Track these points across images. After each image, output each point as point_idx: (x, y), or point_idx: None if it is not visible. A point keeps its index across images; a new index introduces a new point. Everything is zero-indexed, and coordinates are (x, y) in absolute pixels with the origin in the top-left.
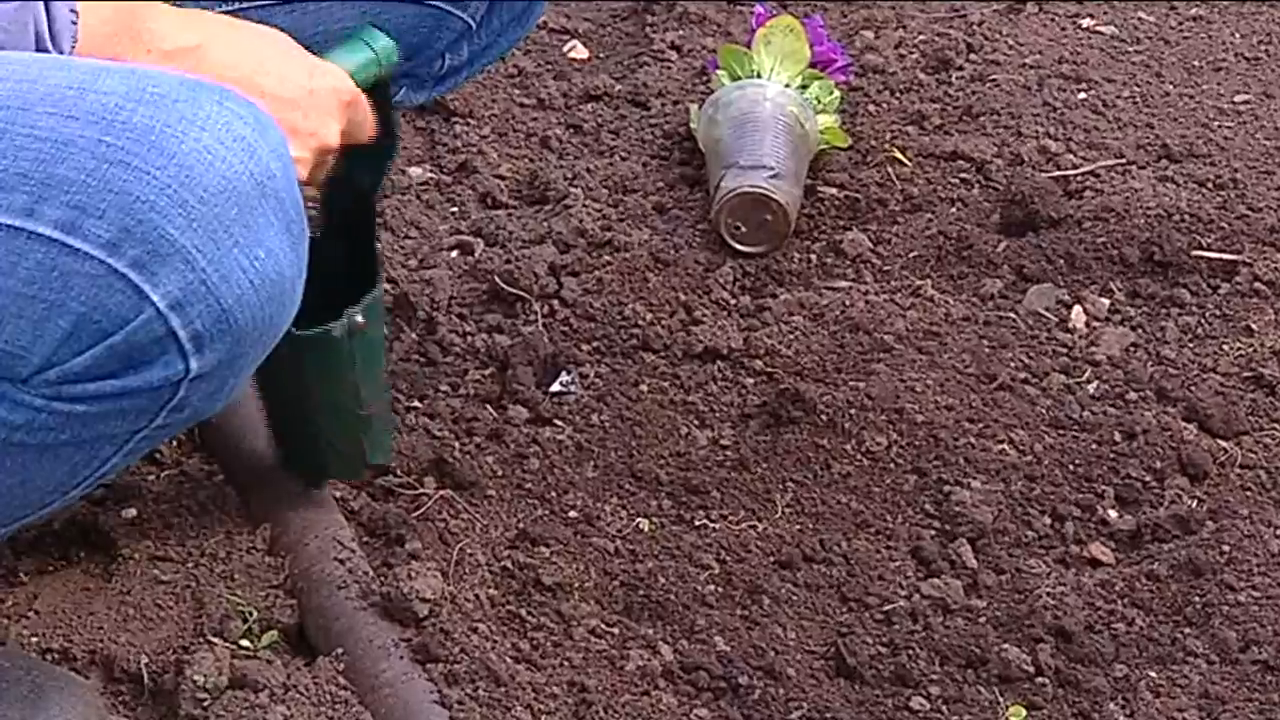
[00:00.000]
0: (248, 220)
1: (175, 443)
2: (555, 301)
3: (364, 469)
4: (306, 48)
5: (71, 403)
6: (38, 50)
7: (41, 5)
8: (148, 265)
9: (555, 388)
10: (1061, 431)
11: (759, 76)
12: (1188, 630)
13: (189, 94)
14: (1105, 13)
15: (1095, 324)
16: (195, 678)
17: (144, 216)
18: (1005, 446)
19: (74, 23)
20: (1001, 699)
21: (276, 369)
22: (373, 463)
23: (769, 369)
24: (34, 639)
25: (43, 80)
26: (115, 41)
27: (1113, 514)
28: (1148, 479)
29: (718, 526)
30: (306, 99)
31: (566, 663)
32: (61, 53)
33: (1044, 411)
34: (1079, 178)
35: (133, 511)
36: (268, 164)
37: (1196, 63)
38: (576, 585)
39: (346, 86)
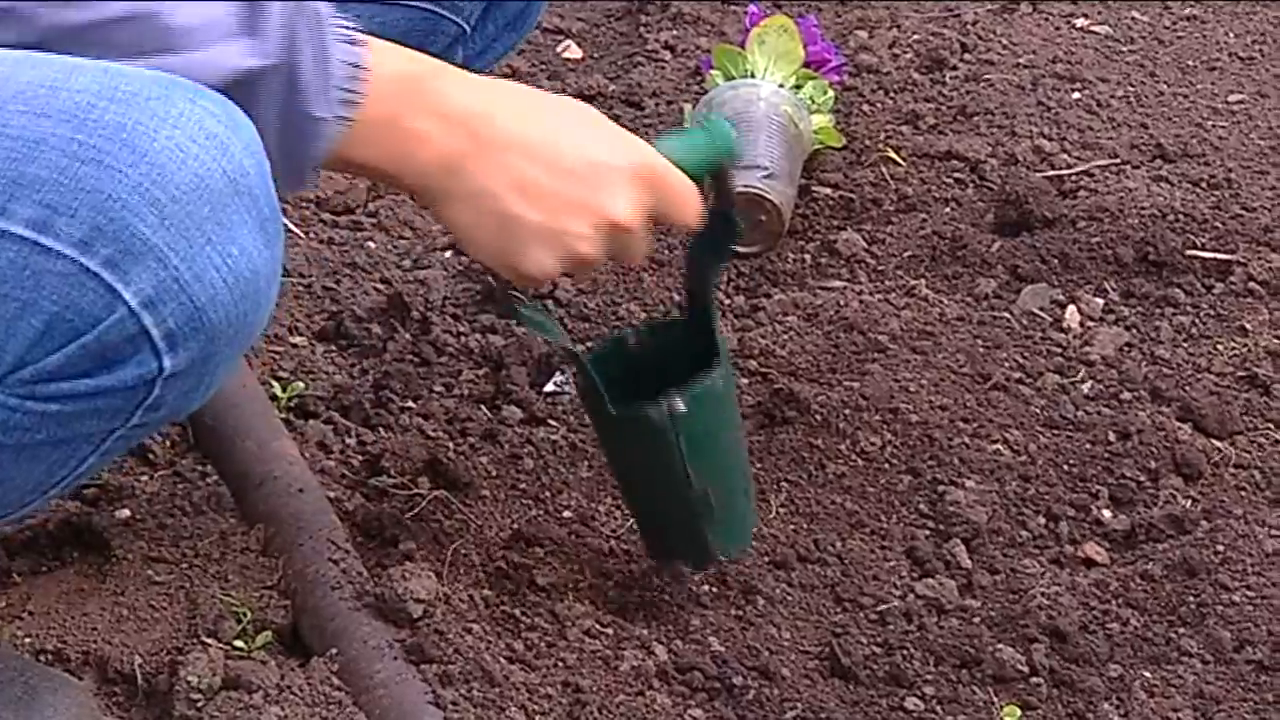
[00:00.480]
0: (220, 218)
1: (169, 443)
2: (549, 301)
3: (708, 558)
4: None
5: (46, 402)
6: (284, 99)
7: (310, 55)
8: (120, 264)
9: (549, 388)
10: (1056, 431)
11: (753, 76)
12: (1182, 630)
13: (162, 91)
14: (1099, 12)
15: (1090, 324)
16: (189, 678)
17: (116, 215)
18: (1000, 446)
19: (357, 78)
20: (996, 699)
21: (611, 445)
22: (721, 554)
23: (763, 369)
24: (27, 640)
25: (14, 78)
26: (397, 100)
27: (1107, 514)
28: (1142, 479)
29: None
30: (595, 172)
31: (561, 663)
32: (319, 109)
33: (1038, 411)
34: (1073, 177)
35: (126, 512)
36: (241, 161)
37: (1191, 62)
38: (571, 586)
39: (648, 163)
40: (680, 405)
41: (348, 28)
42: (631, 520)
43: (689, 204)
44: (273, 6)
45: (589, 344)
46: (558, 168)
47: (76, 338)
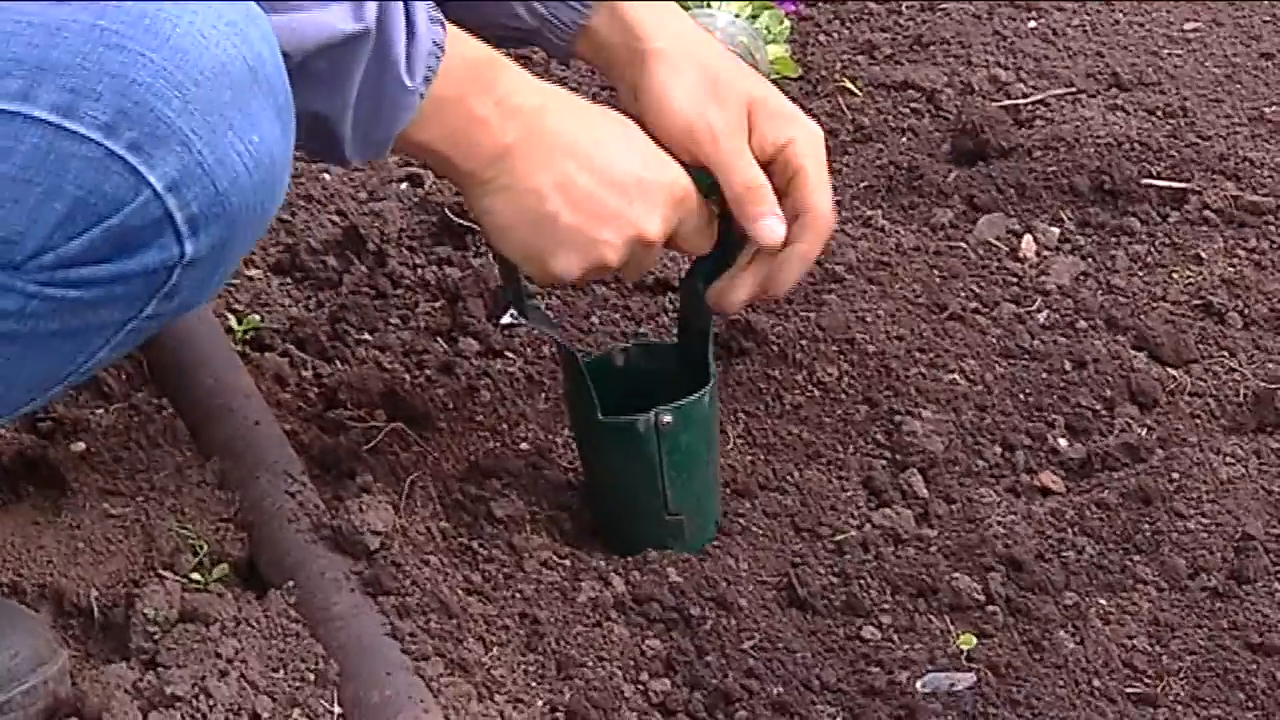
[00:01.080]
0: (241, 104)
1: (124, 376)
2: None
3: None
4: None
5: (65, 288)
6: (375, 68)
7: (402, 27)
8: (145, 147)
9: (506, 320)
10: (1012, 361)
11: (708, 6)
12: (1137, 558)
13: None
14: None
15: (1045, 253)
16: (146, 611)
17: (141, 99)
18: (956, 376)
19: (437, 56)
20: (952, 628)
21: (590, 450)
22: (671, 547)
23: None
24: None
25: None
26: (466, 83)
27: (1063, 443)
28: (1097, 407)
29: None
30: (634, 185)
31: (518, 594)
32: (410, 79)
33: (994, 341)
34: (1029, 107)
35: (82, 445)
36: (259, 50)
37: None
38: (528, 518)
39: (682, 184)
40: (667, 419)
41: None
42: (594, 515)
43: (707, 230)
44: None
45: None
46: (604, 176)
47: (100, 222)
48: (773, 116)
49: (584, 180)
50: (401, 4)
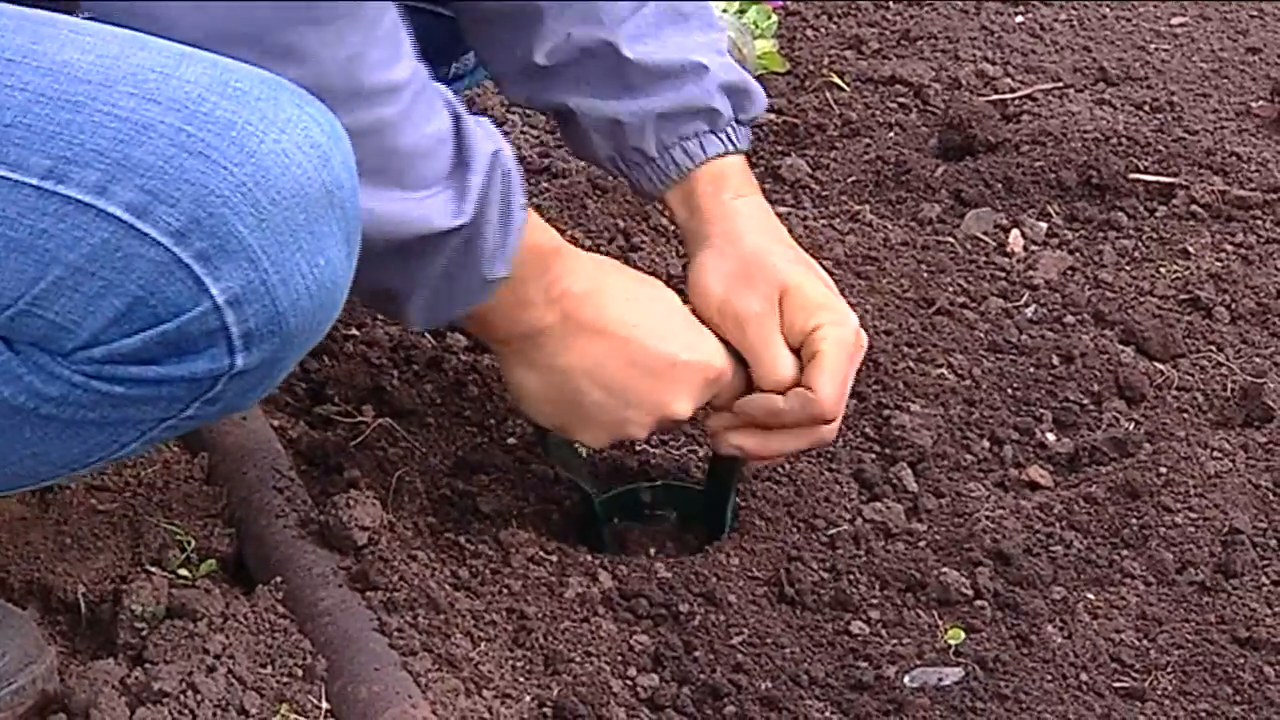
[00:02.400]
0: (314, 227)
1: None
2: None
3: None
4: None
5: (110, 383)
6: (461, 258)
7: (498, 220)
8: (213, 259)
9: None
10: (999, 355)
11: None
12: (1125, 552)
13: (270, 93)
14: None
15: (1033, 248)
16: (133, 607)
17: (216, 210)
18: (944, 371)
19: (521, 233)
20: (941, 622)
21: None
22: None
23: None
24: None
25: (125, 58)
26: (526, 267)
27: (1051, 437)
28: (1085, 402)
29: (658, 451)
30: (667, 370)
31: (505, 590)
32: (492, 274)
33: (982, 335)
34: (1017, 101)
35: None
36: (339, 174)
37: None
38: (515, 513)
39: (717, 365)
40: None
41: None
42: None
43: (743, 395)
44: (477, 159)
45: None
46: (637, 363)
47: (156, 324)
48: (805, 303)
49: (614, 364)
50: (502, 194)
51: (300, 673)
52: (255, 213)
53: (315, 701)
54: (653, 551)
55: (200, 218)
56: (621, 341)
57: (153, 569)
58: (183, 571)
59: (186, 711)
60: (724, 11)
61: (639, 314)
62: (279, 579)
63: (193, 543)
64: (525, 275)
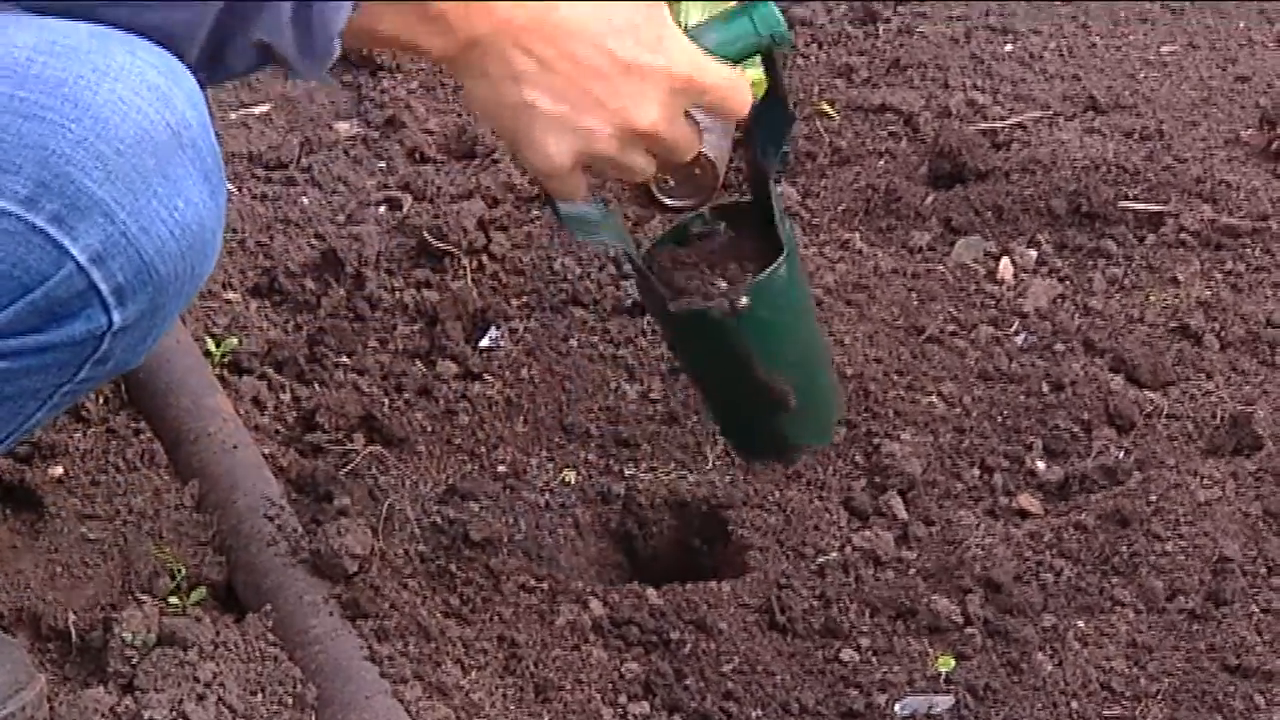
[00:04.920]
0: (166, 170)
1: (102, 400)
2: (484, 256)
3: (789, 452)
4: None
5: None
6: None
7: None
8: (66, 220)
9: (484, 343)
10: (990, 383)
11: (686, 29)
12: (1115, 580)
13: (99, 45)
14: None
15: (1023, 275)
16: (124, 635)
17: (60, 170)
18: (934, 399)
19: None
20: (931, 650)
21: (678, 344)
22: (802, 447)
23: None
24: None
25: None
26: None
27: (1041, 465)
28: (1075, 430)
29: (648, 478)
30: (622, 71)
31: (496, 618)
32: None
33: (972, 364)
34: (1006, 130)
35: (59, 469)
36: (183, 112)
37: (1122, 13)
38: (505, 540)
39: (682, 71)
40: (744, 300)
41: None
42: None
43: (733, 99)
44: None
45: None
46: (582, 62)
47: (24, 294)
48: None
49: (563, 66)
50: None
51: (291, 701)
52: (101, 165)
53: None
54: (714, 277)
55: (46, 180)
56: (570, 42)
57: (143, 597)
58: (173, 599)
59: None
60: None
61: (595, 13)
62: (269, 607)
63: (183, 570)
64: None
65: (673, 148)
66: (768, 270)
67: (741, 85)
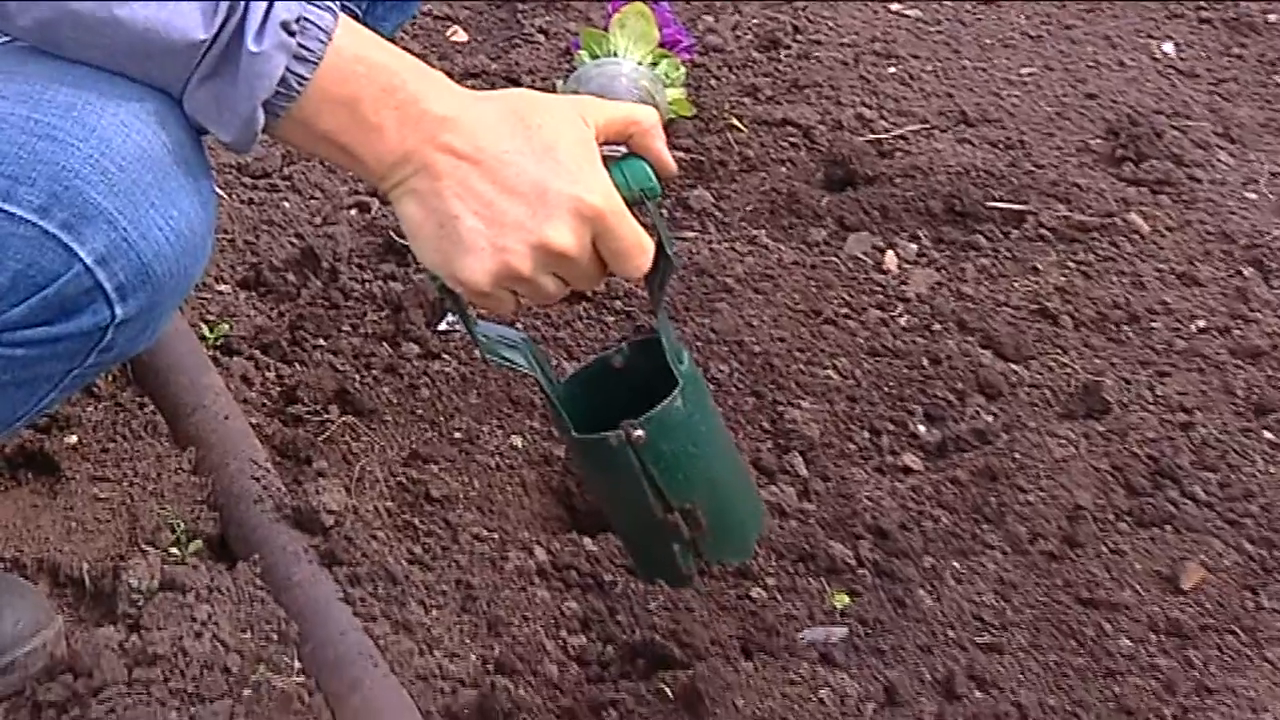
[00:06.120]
0: (162, 184)
1: (111, 378)
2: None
3: (683, 579)
4: None
5: (12, 348)
6: (228, 48)
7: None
8: (75, 226)
9: (442, 327)
10: (878, 358)
11: (615, 55)
12: (985, 527)
13: (105, 75)
14: None
15: (905, 266)
16: (130, 581)
17: (70, 183)
18: (830, 372)
19: (317, 38)
20: (828, 588)
21: (583, 470)
22: (703, 569)
23: (626, 308)
24: None
25: None
26: (362, 85)
27: (921, 428)
28: (951, 398)
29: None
30: (537, 195)
31: (454, 564)
32: (257, 45)
33: (862, 342)
34: (890, 140)
35: (74, 438)
36: (177, 135)
37: (989, 40)
38: (461, 497)
39: (590, 202)
40: (638, 432)
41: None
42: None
43: (636, 258)
44: None
45: (574, 366)
46: (504, 185)
47: (38, 291)
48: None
49: (484, 188)
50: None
51: (276, 637)
52: (105, 179)
53: (289, 662)
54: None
55: (58, 192)
56: (491, 168)
57: (147, 548)
58: (174, 550)
59: (177, 671)
60: (639, 64)
61: (514, 142)
62: (257, 556)
63: (182, 525)
64: (362, 94)
65: (583, 275)
66: (662, 405)
67: (647, 251)
